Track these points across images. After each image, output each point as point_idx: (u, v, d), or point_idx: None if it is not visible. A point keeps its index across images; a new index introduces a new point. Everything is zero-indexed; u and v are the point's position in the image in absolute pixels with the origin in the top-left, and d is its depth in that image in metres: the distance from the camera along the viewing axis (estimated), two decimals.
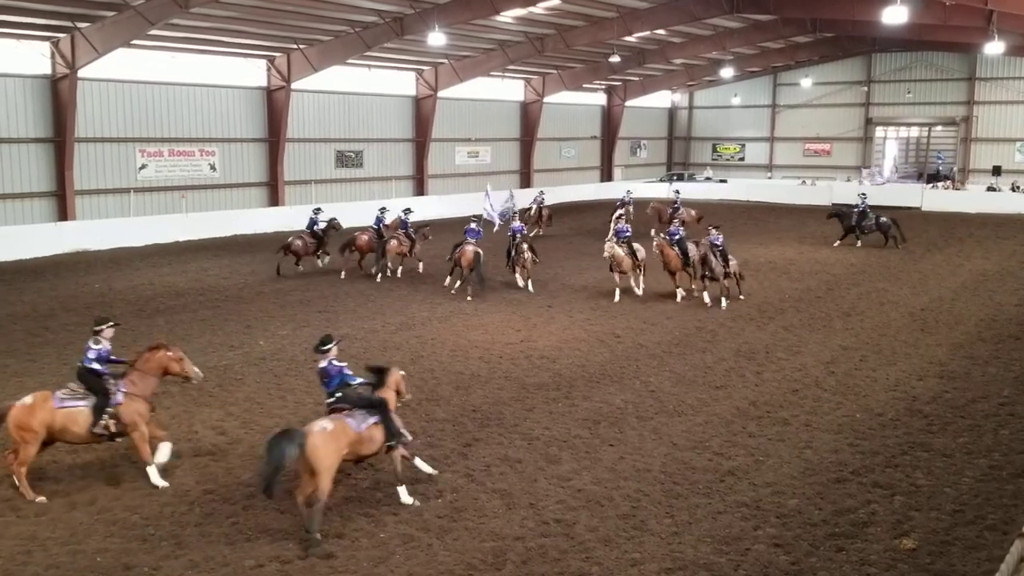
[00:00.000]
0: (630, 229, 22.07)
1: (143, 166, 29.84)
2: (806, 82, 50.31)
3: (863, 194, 30.07)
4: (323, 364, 9.41)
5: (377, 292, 20.90)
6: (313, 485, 8.39)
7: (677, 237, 20.69)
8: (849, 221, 29.14)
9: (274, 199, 33.78)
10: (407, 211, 24.06)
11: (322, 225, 24.24)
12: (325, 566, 7.91)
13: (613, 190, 50.13)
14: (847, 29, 40.17)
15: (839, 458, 10.51)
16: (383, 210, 24.26)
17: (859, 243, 28.66)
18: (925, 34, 38.21)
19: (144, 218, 29.51)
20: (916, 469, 10.19)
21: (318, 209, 24.90)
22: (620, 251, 20.14)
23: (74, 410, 9.41)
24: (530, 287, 21.22)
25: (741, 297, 20.10)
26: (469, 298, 20.06)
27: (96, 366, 9.64)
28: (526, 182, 45.39)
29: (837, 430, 11.51)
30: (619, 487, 9.62)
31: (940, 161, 50.13)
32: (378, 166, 38.22)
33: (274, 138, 33.36)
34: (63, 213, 27.56)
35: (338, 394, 9.33)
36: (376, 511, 8.97)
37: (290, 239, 23.80)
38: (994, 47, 30.64)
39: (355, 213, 34.95)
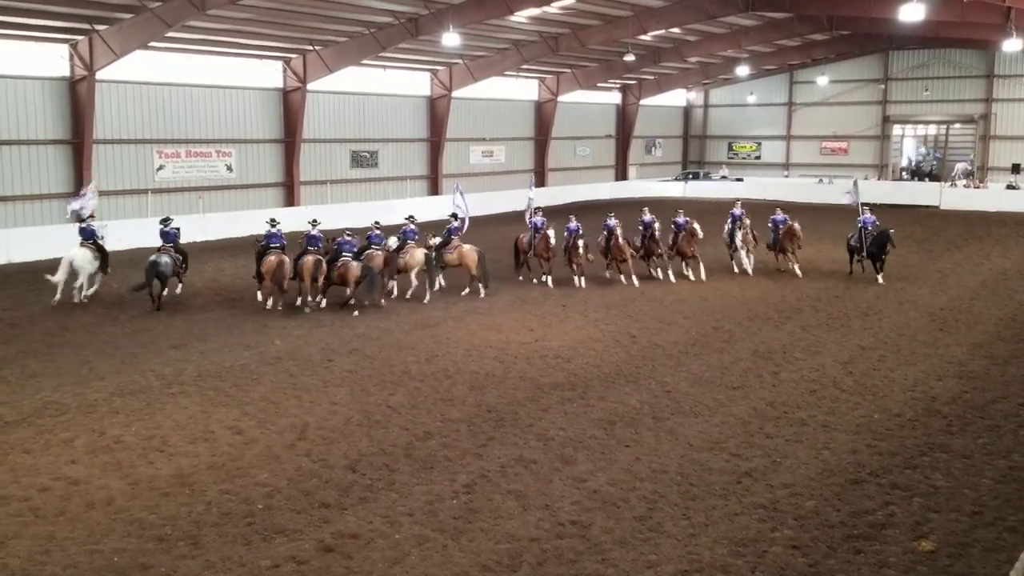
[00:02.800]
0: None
1: (160, 167, 30.02)
2: (822, 80, 50.02)
3: (861, 219, 23.00)
4: None
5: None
6: None
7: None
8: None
9: (290, 199, 33.90)
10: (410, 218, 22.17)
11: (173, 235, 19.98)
12: (341, 566, 7.92)
13: (628, 189, 50.16)
14: (864, 26, 39.89)
15: (857, 459, 10.43)
16: (377, 223, 21.67)
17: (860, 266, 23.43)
18: (942, 31, 37.91)
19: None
20: (935, 470, 10.10)
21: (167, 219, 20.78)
22: None
23: None
24: (582, 283, 21.83)
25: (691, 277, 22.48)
26: (481, 295, 20.15)
27: None
28: (540, 181, 45.31)
29: (855, 431, 11.42)
30: (635, 488, 9.58)
31: (930, 157, 50.12)
32: (393, 166, 38.30)
33: (290, 139, 33.49)
34: None
35: None
36: (391, 512, 8.98)
37: None
38: (1012, 44, 30.38)
39: (370, 213, 35.20)
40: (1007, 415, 12.07)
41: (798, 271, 23.28)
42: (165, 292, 19.19)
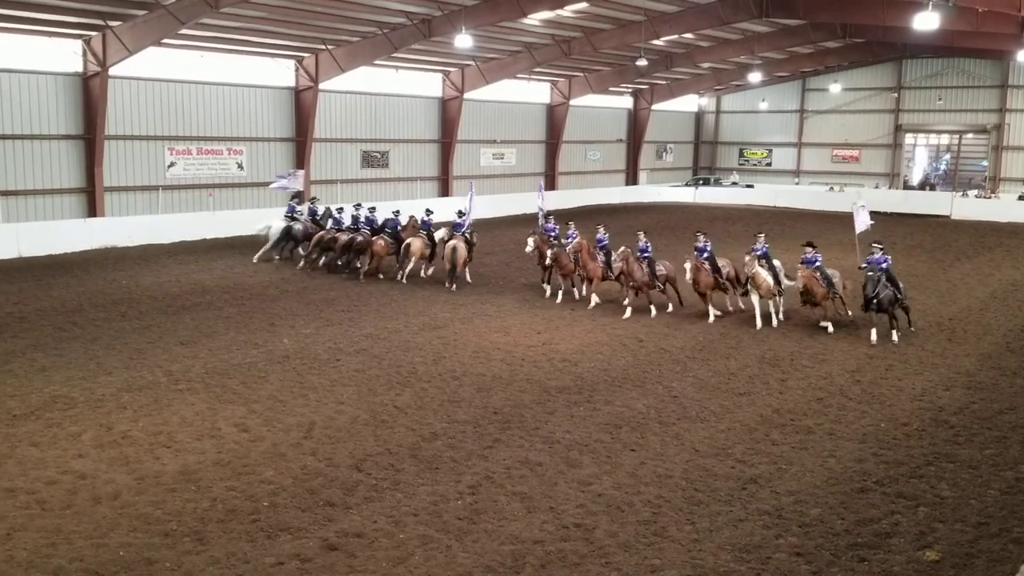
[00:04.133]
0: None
1: (172, 164, 30.14)
2: (835, 87, 49.92)
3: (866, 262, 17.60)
4: None
5: (400, 293, 20.97)
6: None
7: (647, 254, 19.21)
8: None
9: (301, 198, 33.92)
10: (429, 212, 23.96)
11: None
12: (344, 565, 7.94)
13: (638, 194, 50.15)
14: (878, 34, 39.78)
15: (863, 468, 10.41)
16: (397, 213, 24.20)
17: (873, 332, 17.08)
18: (957, 40, 37.72)
19: (172, 215, 29.82)
20: (941, 480, 10.06)
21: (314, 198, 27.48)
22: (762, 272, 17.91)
23: None
24: (585, 292, 20.40)
25: (669, 309, 19.12)
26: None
27: None
28: (551, 184, 45.39)
29: (861, 439, 11.39)
30: (640, 492, 9.58)
31: (936, 171, 50.02)
32: (404, 167, 38.37)
33: (301, 138, 33.58)
34: (92, 209, 27.90)
35: None
36: (396, 511, 9.00)
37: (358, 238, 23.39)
38: None
39: (380, 213, 35.30)
40: (1015, 426, 12.02)
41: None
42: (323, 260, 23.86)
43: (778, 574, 7.92)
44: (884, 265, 17.23)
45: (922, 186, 50.70)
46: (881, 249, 17.63)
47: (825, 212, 43.46)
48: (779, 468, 10.36)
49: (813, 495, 9.59)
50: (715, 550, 8.31)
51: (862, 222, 20.57)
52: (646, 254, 19.13)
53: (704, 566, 8.02)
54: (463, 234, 22.63)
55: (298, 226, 24.93)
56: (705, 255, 18.88)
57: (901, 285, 17.39)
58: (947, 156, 52.05)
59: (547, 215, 24.28)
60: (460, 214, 23.24)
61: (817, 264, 17.95)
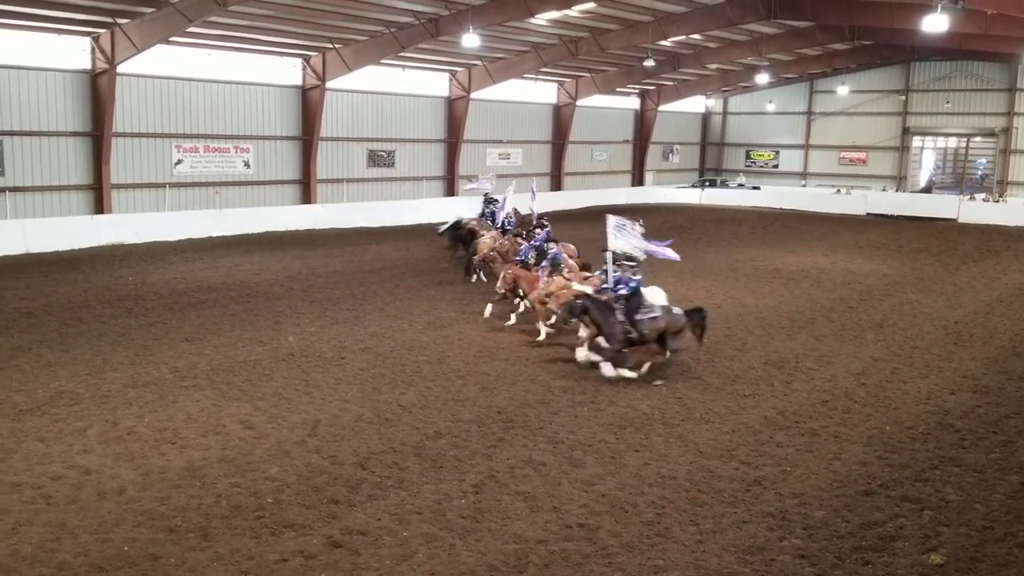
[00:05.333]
0: None
1: (179, 161, 30.22)
2: (843, 89, 49.81)
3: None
4: None
5: (406, 292, 20.99)
6: None
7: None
8: None
9: (306, 197, 34.06)
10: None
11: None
12: (348, 562, 7.95)
13: (644, 195, 50.10)
14: (886, 37, 39.69)
15: (868, 471, 10.38)
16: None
17: None
18: (965, 43, 37.65)
19: (178, 213, 29.89)
20: (946, 484, 10.04)
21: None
22: None
23: None
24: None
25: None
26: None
27: None
28: (557, 185, 45.42)
29: (866, 442, 11.37)
30: (643, 493, 9.57)
31: (933, 174, 50.02)
32: (410, 166, 38.40)
33: (308, 136, 33.63)
34: (99, 206, 27.98)
35: None
36: (400, 510, 9.01)
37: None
38: None
39: (386, 213, 35.43)
40: (1021, 430, 11.98)
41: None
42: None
43: None
44: (623, 291, 13.91)
45: (926, 190, 50.59)
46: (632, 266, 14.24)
47: (832, 215, 43.43)
48: (783, 470, 10.34)
49: (817, 497, 9.57)
50: (719, 551, 8.31)
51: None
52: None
53: (708, 567, 8.01)
54: (502, 228, 22.85)
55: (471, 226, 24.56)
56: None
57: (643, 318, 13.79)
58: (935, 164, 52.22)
59: (540, 217, 21.42)
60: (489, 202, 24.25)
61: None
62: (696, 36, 37.20)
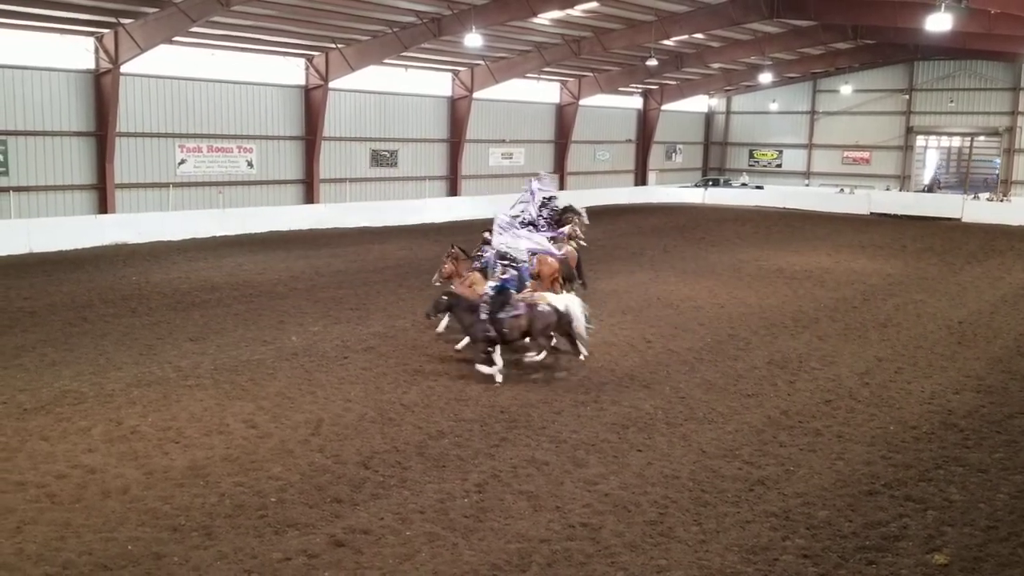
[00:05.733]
0: None
1: (182, 161, 30.27)
2: (846, 89, 49.74)
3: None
4: None
5: (409, 291, 20.99)
6: None
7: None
8: None
9: (309, 197, 34.09)
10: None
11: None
12: (351, 561, 7.96)
13: (647, 194, 50.10)
14: (889, 36, 39.67)
15: (871, 470, 10.37)
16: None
17: None
18: (969, 42, 37.58)
19: (182, 213, 29.95)
20: (950, 484, 10.02)
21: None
22: None
23: None
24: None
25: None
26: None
27: None
28: (560, 184, 45.39)
29: (870, 442, 11.35)
30: (646, 493, 9.57)
31: (939, 172, 49.99)
32: (412, 166, 38.43)
33: (311, 136, 33.67)
34: (103, 206, 28.04)
35: None
36: (403, 509, 9.01)
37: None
38: None
39: (389, 213, 35.46)
40: None
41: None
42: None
43: None
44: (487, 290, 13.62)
45: (930, 188, 50.56)
46: (512, 266, 14.16)
47: (835, 214, 43.39)
48: (787, 470, 10.33)
49: (821, 497, 9.56)
50: (722, 551, 8.30)
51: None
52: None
53: (711, 567, 8.01)
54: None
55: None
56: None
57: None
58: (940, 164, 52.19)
59: (550, 199, 19.64)
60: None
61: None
62: (699, 35, 37.20)
